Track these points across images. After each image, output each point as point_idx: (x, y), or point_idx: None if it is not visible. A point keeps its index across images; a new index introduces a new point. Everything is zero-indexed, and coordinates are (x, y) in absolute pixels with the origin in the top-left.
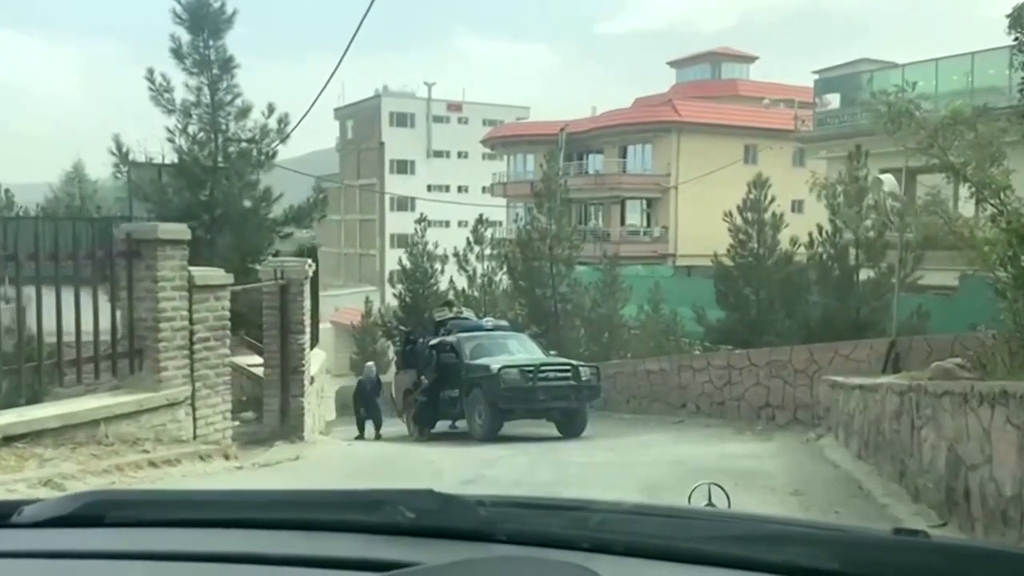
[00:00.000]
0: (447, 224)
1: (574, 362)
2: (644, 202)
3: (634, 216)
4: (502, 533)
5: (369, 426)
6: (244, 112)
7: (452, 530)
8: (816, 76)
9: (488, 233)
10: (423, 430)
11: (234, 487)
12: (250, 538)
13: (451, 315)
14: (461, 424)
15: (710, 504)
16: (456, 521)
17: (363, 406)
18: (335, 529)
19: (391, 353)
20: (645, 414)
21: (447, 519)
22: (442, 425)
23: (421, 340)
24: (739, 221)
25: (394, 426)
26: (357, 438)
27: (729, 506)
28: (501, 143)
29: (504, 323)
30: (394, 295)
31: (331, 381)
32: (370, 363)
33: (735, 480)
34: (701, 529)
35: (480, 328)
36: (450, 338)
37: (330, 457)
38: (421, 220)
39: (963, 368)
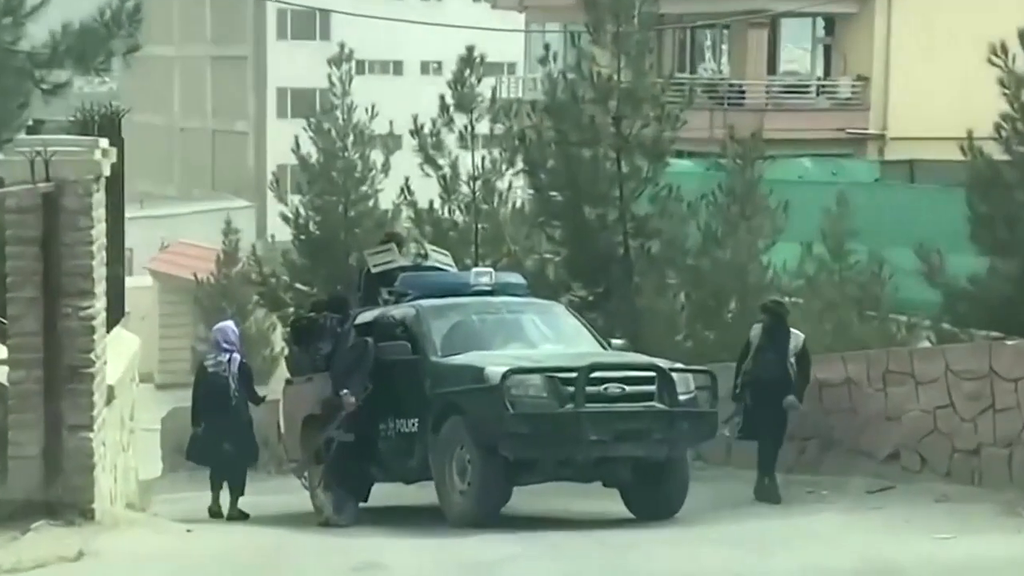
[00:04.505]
0: (398, 68)
1: (662, 363)
2: (818, 23)
3: (796, 53)
4: None
5: (228, 491)
6: None
7: None
8: None
9: (487, 86)
10: (344, 502)
11: None
12: None
13: (404, 261)
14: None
15: None
16: None
17: (208, 435)
18: None
19: (278, 340)
20: (810, 470)
21: None
22: (385, 489)
23: (340, 316)
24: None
25: (286, 492)
26: (213, 514)
27: None
28: None
29: (516, 279)
30: (285, 217)
31: (153, 396)
32: (225, 323)
33: None
34: None
35: (463, 289)
36: (400, 310)
37: (146, 560)
38: (342, 57)
39: None
